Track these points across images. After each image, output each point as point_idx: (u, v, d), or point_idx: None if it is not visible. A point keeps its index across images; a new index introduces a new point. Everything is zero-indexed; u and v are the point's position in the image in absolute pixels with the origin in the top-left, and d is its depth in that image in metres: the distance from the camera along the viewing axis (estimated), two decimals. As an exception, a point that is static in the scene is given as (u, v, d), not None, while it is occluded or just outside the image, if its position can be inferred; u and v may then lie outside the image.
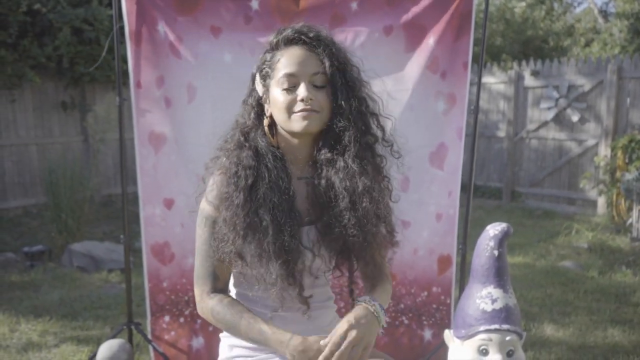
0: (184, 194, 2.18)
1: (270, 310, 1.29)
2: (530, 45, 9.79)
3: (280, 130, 1.25)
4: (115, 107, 2.33)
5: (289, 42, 1.22)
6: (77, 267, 4.19)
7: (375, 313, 1.20)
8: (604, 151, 6.12)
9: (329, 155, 1.21)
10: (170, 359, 2.34)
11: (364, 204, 1.20)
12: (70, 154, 5.21)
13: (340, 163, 1.20)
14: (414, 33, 2.06)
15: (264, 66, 1.25)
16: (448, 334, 1.34)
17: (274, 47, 1.24)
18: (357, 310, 1.19)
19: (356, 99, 1.22)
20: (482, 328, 1.25)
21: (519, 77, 6.99)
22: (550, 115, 6.66)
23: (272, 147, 1.24)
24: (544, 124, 6.78)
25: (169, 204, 2.24)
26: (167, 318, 2.36)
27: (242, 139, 1.24)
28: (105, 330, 3.05)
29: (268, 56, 1.25)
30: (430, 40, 2.06)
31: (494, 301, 1.27)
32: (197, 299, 1.30)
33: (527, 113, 6.98)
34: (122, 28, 2.16)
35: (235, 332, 1.24)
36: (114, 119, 5.80)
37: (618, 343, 2.93)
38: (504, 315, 1.26)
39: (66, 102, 6.21)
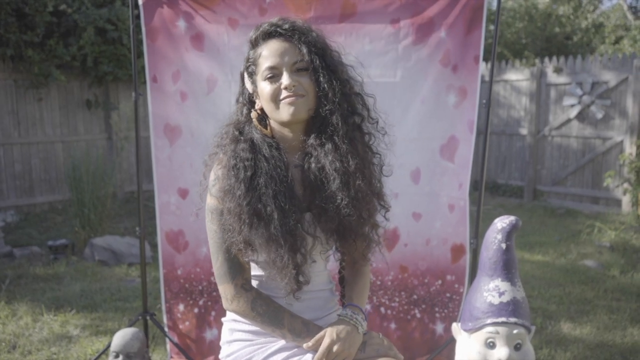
0: (199, 185, 2.26)
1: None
2: (553, 41, 9.60)
3: (272, 122, 1.29)
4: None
5: (267, 36, 1.26)
6: (98, 260, 4.28)
7: (355, 325, 1.29)
8: (629, 149, 5.98)
9: (317, 140, 1.24)
10: (184, 349, 2.38)
11: (357, 183, 1.23)
12: (94, 152, 5.32)
13: (329, 145, 1.23)
14: (423, 26, 2.09)
15: (249, 63, 1.30)
16: (456, 327, 1.34)
17: (254, 44, 1.29)
18: (339, 325, 1.27)
19: (339, 80, 1.25)
20: (489, 321, 1.25)
21: (542, 74, 6.88)
22: (573, 112, 6.53)
23: (267, 138, 1.27)
24: (567, 121, 6.66)
25: (183, 193, 2.32)
26: (181, 307, 2.42)
27: (237, 133, 1.28)
28: (124, 321, 3.12)
29: (251, 53, 1.30)
30: (441, 34, 2.08)
31: (501, 294, 1.26)
32: (230, 294, 1.27)
33: (550, 110, 6.87)
34: (139, 26, 2.21)
35: (276, 324, 1.26)
36: (136, 117, 5.89)
37: (638, 342, 2.87)
38: (511, 308, 1.25)
39: (90, 101, 6.34)
